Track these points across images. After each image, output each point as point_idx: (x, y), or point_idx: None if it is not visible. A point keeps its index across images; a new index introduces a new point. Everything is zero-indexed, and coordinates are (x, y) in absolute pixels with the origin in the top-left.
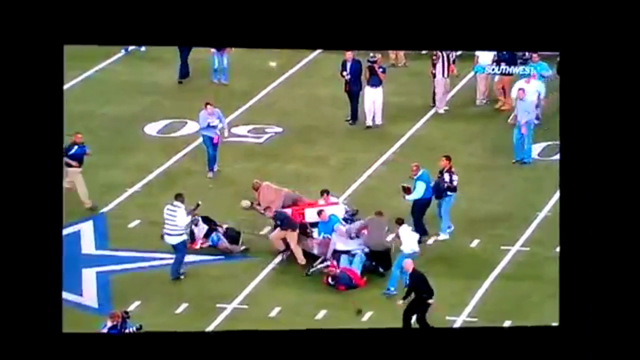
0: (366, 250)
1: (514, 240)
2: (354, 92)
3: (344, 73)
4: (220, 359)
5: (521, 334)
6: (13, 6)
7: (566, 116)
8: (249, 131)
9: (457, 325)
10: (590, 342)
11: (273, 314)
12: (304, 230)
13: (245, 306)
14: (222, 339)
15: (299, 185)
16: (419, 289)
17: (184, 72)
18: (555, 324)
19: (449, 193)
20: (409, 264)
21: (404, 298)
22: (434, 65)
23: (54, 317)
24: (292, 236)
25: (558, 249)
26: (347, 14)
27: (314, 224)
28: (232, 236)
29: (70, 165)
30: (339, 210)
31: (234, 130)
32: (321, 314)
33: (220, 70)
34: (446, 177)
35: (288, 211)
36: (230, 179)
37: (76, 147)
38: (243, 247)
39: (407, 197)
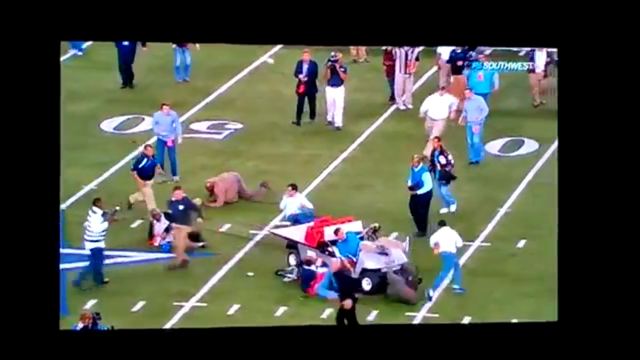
0: (395, 268)
1: (474, 236)
2: (310, 94)
3: (300, 75)
4: (178, 357)
5: (520, 331)
6: (10, 2)
7: (564, 110)
8: (208, 127)
9: (416, 321)
10: (588, 338)
11: (232, 311)
12: (324, 249)
13: (204, 304)
14: (179, 337)
15: (265, 178)
16: (343, 289)
17: (127, 77)
18: (515, 320)
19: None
20: (335, 265)
21: (342, 299)
22: (388, 61)
23: (51, 315)
24: (181, 233)
25: (520, 244)
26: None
27: (334, 242)
28: (191, 233)
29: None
30: (356, 227)
31: (193, 126)
32: (280, 310)
33: (183, 67)
34: (441, 159)
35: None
36: (190, 175)
37: (145, 159)
38: (202, 244)
39: (419, 191)
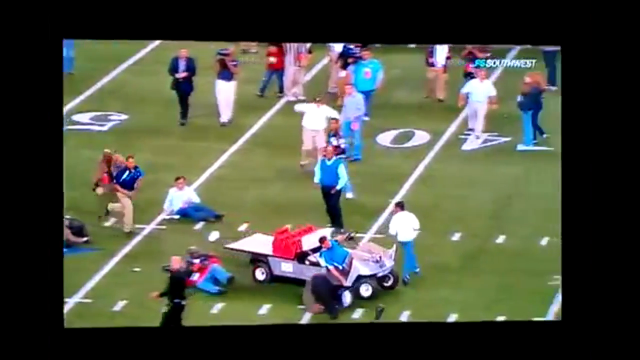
0: (384, 273)
1: (366, 229)
2: (185, 91)
3: (177, 73)
4: (71, 355)
5: (524, 329)
6: (13, 0)
7: (567, 110)
8: (91, 118)
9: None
10: (592, 337)
11: (118, 307)
12: (303, 259)
13: (89, 300)
14: (69, 335)
15: (148, 174)
16: (173, 290)
17: None
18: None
19: (338, 156)
20: (174, 261)
21: (161, 295)
22: (274, 55)
23: (56, 313)
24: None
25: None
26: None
27: (314, 251)
28: (76, 227)
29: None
30: (327, 233)
31: (75, 117)
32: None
33: (67, 59)
34: (333, 141)
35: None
36: (72, 168)
37: (127, 172)
38: (86, 239)
39: (338, 187)
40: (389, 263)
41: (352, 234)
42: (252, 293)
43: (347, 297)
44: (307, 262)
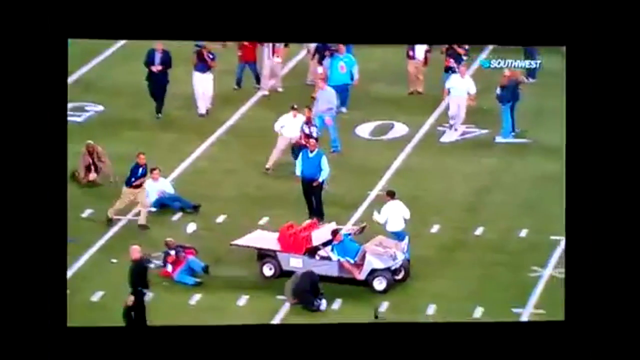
0: (396, 266)
1: (345, 220)
2: (160, 83)
3: (152, 66)
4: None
5: (527, 330)
6: (19, 1)
7: (572, 109)
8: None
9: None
10: (595, 337)
11: (95, 298)
12: (314, 253)
13: (67, 291)
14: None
15: (127, 166)
16: (135, 282)
17: None
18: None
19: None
20: (134, 251)
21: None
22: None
23: (59, 311)
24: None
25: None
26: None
27: (325, 244)
28: None
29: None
30: (331, 228)
31: None
32: (147, 296)
33: None
34: (305, 129)
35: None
36: None
37: (140, 168)
38: None
39: (321, 179)
40: (400, 256)
41: (364, 226)
42: (230, 284)
43: (323, 305)
44: (317, 257)
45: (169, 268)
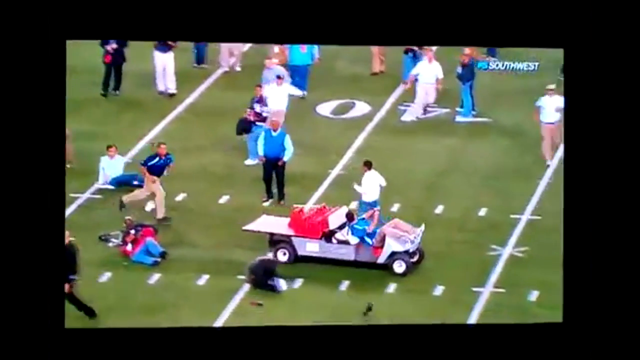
0: (413, 249)
1: (305, 199)
2: (117, 62)
3: (107, 46)
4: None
5: (524, 332)
6: (17, 2)
7: (570, 111)
8: None
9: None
10: (593, 339)
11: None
12: (331, 237)
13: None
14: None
15: (88, 142)
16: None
17: None
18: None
19: (257, 124)
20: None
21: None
22: None
23: (57, 313)
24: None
25: (353, 205)
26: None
27: (341, 227)
28: None
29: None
30: (345, 211)
31: None
32: (105, 276)
33: None
34: (257, 107)
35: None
36: None
37: (157, 158)
38: None
39: (285, 158)
40: (416, 239)
41: (376, 210)
42: (189, 263)
43: (282, 285)
44: (334, 241)
45: (129, 247)
